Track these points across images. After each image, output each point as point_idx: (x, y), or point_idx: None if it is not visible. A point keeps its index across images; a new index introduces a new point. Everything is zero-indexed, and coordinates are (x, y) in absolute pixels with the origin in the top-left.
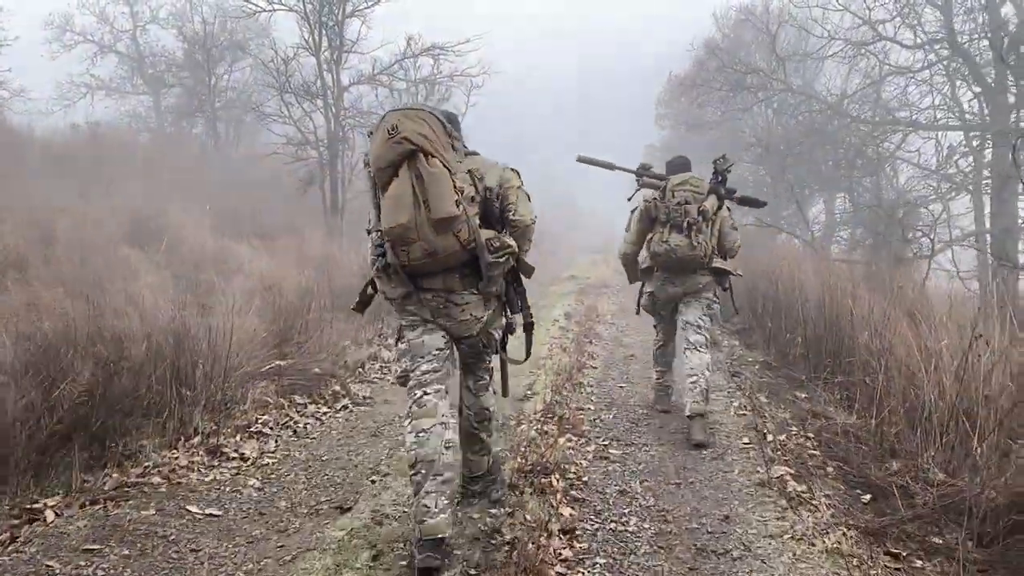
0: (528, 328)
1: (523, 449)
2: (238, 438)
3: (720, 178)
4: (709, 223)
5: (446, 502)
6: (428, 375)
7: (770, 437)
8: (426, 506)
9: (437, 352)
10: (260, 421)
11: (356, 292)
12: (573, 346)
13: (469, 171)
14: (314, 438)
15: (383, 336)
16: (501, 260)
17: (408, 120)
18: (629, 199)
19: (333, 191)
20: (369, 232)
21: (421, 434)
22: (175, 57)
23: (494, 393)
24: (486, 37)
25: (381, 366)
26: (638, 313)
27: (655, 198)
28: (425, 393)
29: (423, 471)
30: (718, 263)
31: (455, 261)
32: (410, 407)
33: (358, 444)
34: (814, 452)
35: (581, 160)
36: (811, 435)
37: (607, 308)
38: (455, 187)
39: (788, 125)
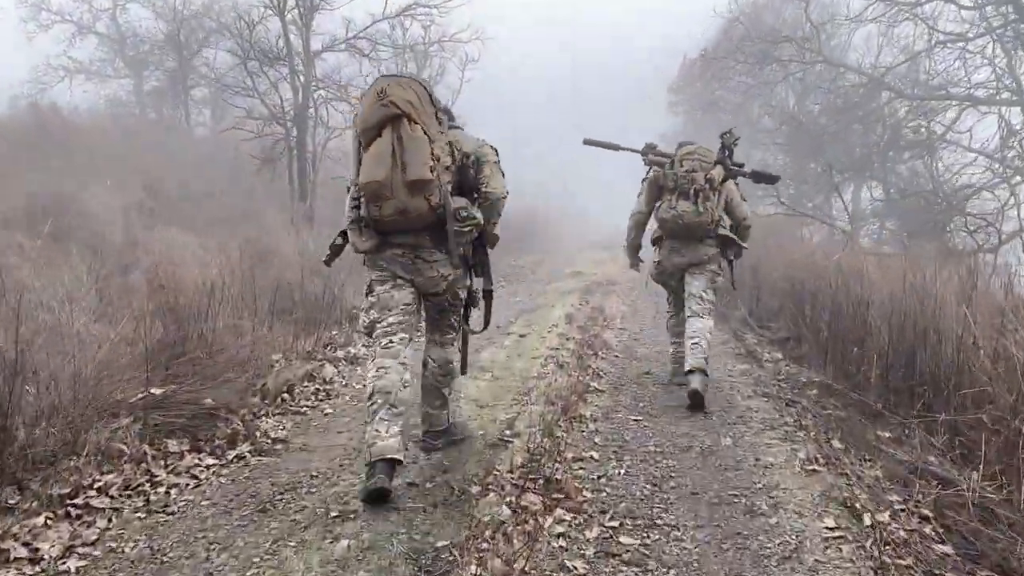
0: (487, 296)
1: (483, 548)
2: (41, 519)
3: (727, 151)
4: (715, 192)
5: (398, 430)
6: (394, 326)
7: (868, 518)
8: (377, 431)
9: (405, 306)
10: (97, 484)
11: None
12: (574, 360)
13: (449, 142)
14: (172, 513)
15: (331, 346)
16: (466, 230)
17: (397, 87)
18: (643, 181)
19: (301, 174)
20: (348, 189)
21: (381, 369)
22: (157, 39)
23: (457, 352)
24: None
25: (319, 387)
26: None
27: (663, 168)
28: (391, 341)
29: (379, 400)
30: (723, 231)
31: (423, 223)
32: (374, 350)
33: (231, 528)
34: (944, 549)
35: (587, 143)
36: (928, 512)
37: (616, 309)
38: (432, 154)
39: (821, 101)
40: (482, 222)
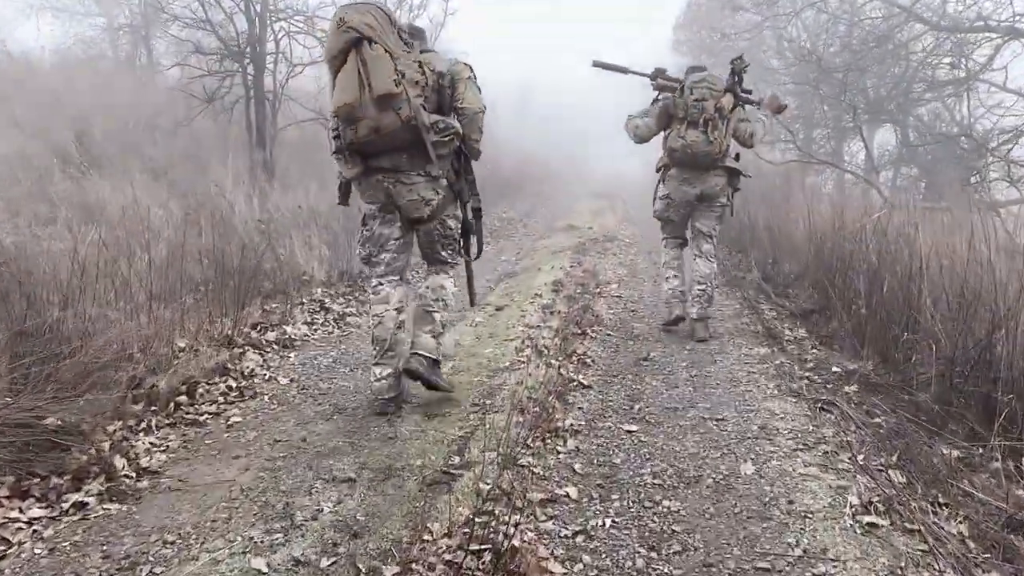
0: (476, 214)
1: None
2: None
3: (737, 77)
4: (725, 120)
5: (390, 371)
6: (385, 267)
7: None
8: (375, 372)
9: (394, 242)
10: None
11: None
12: (556, 343)
13: (419, 61)
14: None
15: (262, 327)
16: (446, 139)
17: (355, 12)
18: (653, 101)
19: (259, 117)
20: (329, 121)
21: (376, 317)
22: None
23: (455, 284)
24: None
25: (233, 384)
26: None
27: (673, 96)
28: (380, 284)
29: (377, 348)
30: (730, 162)
31: (400, 140)
32: (369, 295)
33: None
34: None
35: (596, 64)
36: None
37: (613, 273)
38: (395, 69)
39: (842, 35)
40: (460, 131)
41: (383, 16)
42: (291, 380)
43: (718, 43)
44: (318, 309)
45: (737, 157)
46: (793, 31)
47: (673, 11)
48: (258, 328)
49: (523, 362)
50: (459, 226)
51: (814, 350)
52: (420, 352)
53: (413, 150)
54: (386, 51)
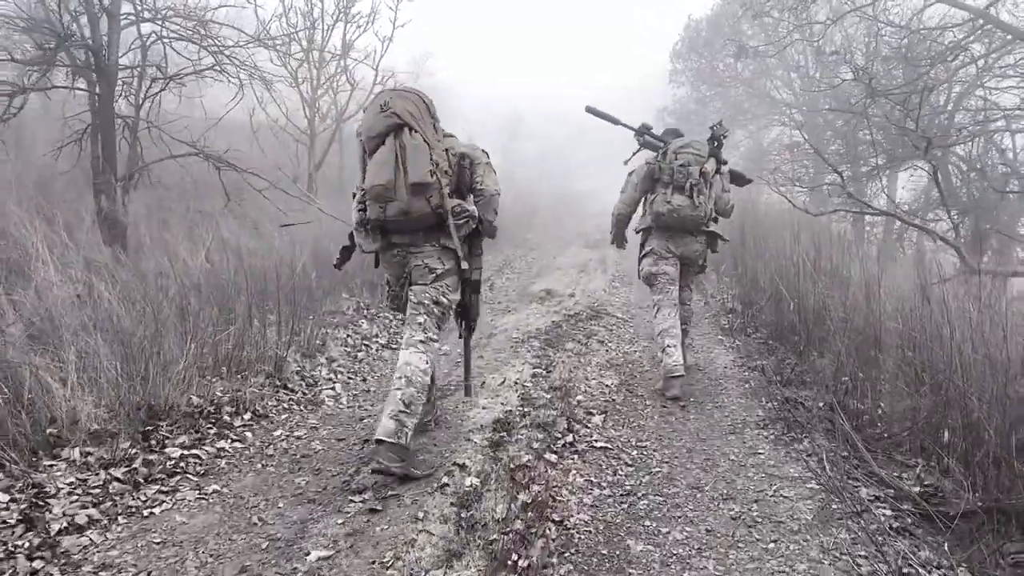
0: (475, 287)
1: None
2: None
3: (717, 143)
4: (709, 185)
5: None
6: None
7: None
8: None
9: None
10: None
11: None
12: None
13: (446, 149)
14: None
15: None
16: (461, 223)
17: (399, 99)
18: (626, 162)
19: (106, 150)
20: (355, 195)
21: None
22: None
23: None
24: None
25: None
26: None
27: (658, 159)
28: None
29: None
30: (713, 227)
31: (423, 223)
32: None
33: None
34: None
35: (589, 111)
36: None
37: (597, 388)
38: (431, 159)
39: (898, 46)
40: (476, 215)
41: (423, 105)
42: None
43: (721, 73)
44: (76, 485)
45: (716, 220)
46: (829, 43)
47: (671, 38)
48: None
49: None
50: (454, 304)
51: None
52: (385, 439)
53: (432, 229)
54: (424, 140)
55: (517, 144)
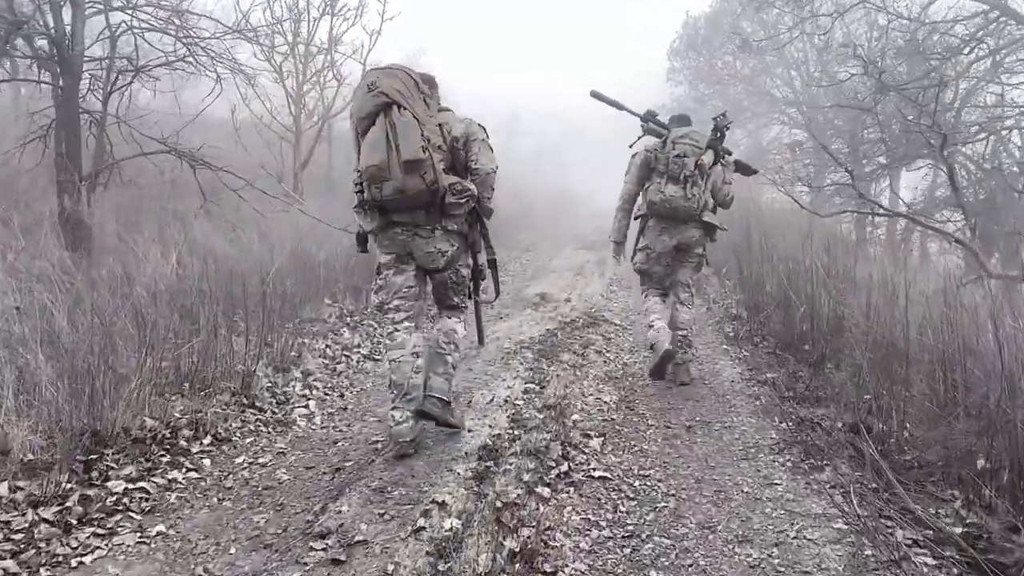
0: (492, 264)
1: None
2: None
3: (719, 134)
4: (705, 177)
5: (410, 414)
6: (399, 313)
7: None
8: (393, 416)
9: (407, 290)
10: None
11: None
12: None
13: (439, 124)
14: None
15: None
16: (462, 201)
17: (386, 77)
18: (631, 146)
19: (70, 147)
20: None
21: (393, 363)
22: None
23: (465, 327)
24: None
25: None
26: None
27: (656, 148)
28: (396, 330)
29: (395, 392)
30: (708, 217)
31: (420, 200)
32: (385, 340)
33: None
34: None
35: (594, 95)
36: None
37: (595, 405)
38: (423, 135)
39: (910, 39)
40: (475, 194)
41: (411, 81)
42: None
43: (720, 71)
44: None
45: (715, 210)
46: (832, 38)
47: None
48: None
49: None
50: (469, 273)
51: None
52: (433, 394)
53: (431, 207)
54: (414, 117)
55: (514, 142)
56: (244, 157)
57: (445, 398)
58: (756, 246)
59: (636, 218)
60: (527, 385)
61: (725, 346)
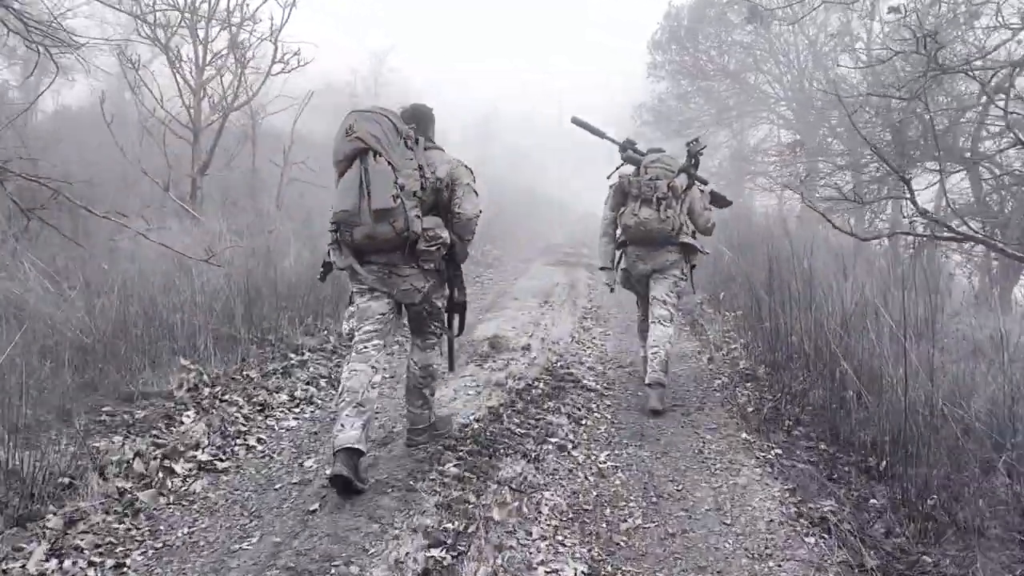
0: (461, 308)
1: None
2: None
3: (692, 160)
4: (678, 200)
5: (361, 423)
6: (370, 333)
7: None
8: (342, 425)
9: (380, 316)
10: None
11: None
12: None
13: (420, 166)
14: None
15: None
16: (432, 249)
17: (364, 122)
18: (608, 177)
19: None
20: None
21: (352, 372)
22: None
23: (440, 356)
24: None
25: None
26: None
27: (629, 175)
28: (365, 347)
29: (346, 399)
30: (685, 239)
31: (391, 246)
32: (350, 355)
33: None
34: None
35: (575, 122)
36: None
37: (554, 570)
38: (396, 183)
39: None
40: (448, 242)
41: (390, 126)
42: None
43: (705, 65)
44: None
45: (694, 234)
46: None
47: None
48: None
49: None
50: (445, 303)
51: None
52: (416, 427)
53: (406, 249)
54: (389, 163)
55: (487, 144)
56: (120, 161)
57: (424, 425)
58: (775, 282)
59: (617, 246)
60: (427, 556)
61: (744, 434)
